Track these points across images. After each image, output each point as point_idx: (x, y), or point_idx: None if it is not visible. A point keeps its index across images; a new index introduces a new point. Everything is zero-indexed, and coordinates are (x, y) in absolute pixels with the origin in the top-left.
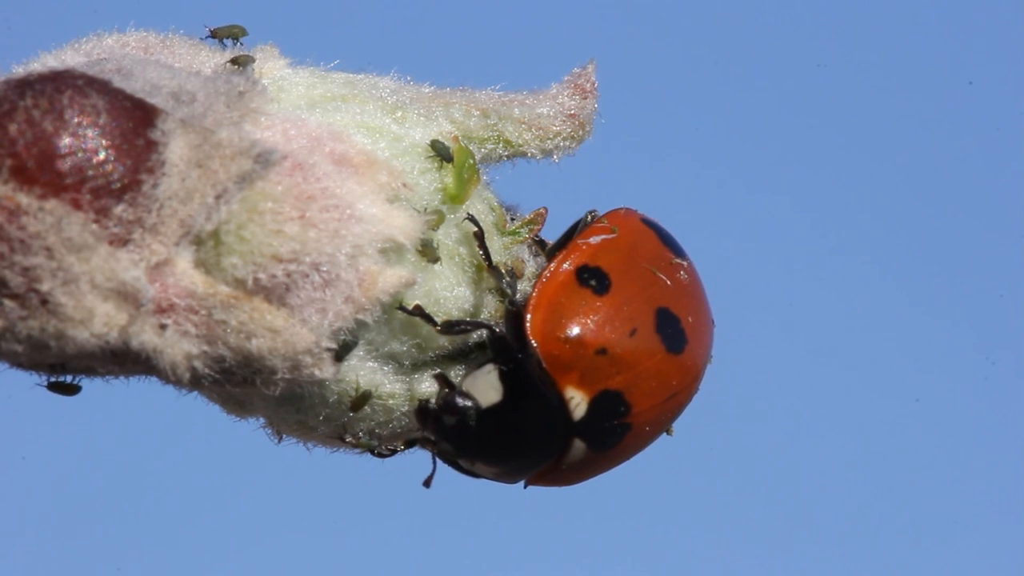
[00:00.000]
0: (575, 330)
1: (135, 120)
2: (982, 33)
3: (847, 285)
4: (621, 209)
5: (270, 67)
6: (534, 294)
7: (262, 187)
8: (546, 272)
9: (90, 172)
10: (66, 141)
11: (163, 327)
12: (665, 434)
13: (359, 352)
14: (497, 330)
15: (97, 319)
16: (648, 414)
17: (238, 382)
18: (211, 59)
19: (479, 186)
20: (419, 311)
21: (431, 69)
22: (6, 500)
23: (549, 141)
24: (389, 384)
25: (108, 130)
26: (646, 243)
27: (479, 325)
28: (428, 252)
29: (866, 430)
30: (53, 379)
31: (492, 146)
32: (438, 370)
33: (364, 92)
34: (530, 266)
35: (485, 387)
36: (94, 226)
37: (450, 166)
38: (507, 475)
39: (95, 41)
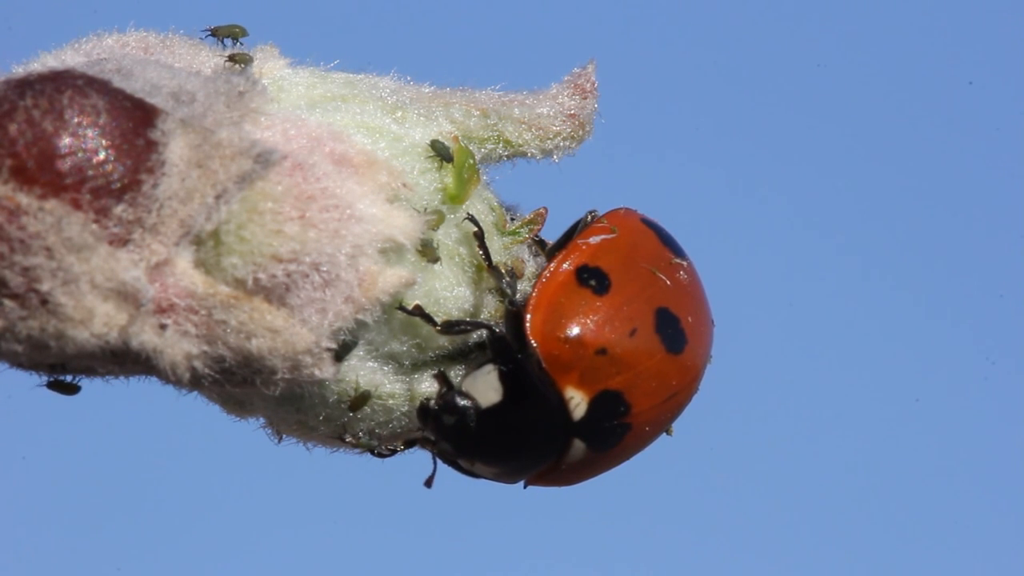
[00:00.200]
0: (575, 330)
1: (135, 120)
2: (982, 33)
3: (847, 285)
4: (621, 209)
5: (270, 67)
6: (534, 294)
7: (262, 187)
8: (546, 272)
9: (90, 172)
10: (66, 141)
11: (163, 327)
12: (665, 434)
13: (359, 352)
14: (497, 330)
15: (97, 319)
16: (648, 414)
17: (238, 382)
18: (211, 59)
19: (479, 186)
20: (419, 311)
21: (431, 69)
22: (6, 500)
23: (549, 141)
24: (389, 384)
25: (108, 130)
26: (646, 243)
27: (479, 325)
28: (428, 252)
29: (866, 430)
30: (52, 379)
31: (492, 146)
32: (438, 370)
33: (364, 92)
34: (530, 266)
35: (485, 387)
36: (94, 226)
37: (450, 166)
38: (507, 475)
39: (95, 41)
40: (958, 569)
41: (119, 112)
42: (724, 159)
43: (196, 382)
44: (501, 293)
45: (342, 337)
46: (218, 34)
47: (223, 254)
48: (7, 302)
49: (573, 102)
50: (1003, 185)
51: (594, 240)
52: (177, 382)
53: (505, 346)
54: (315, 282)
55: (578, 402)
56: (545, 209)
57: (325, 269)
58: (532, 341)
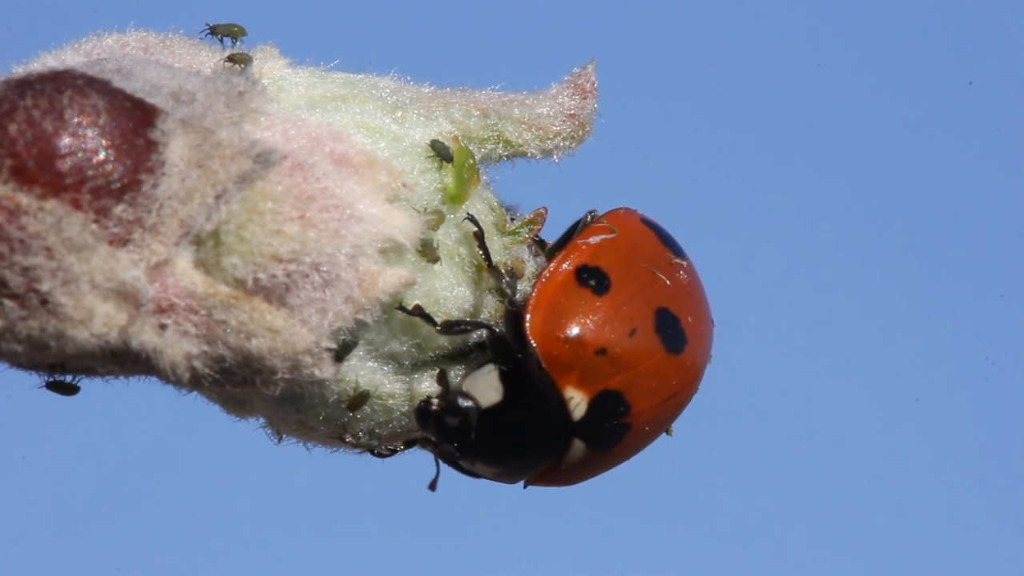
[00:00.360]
0: (575, 330)
1: (135, 120)
2: (982, 33)
3: (847, 285)
4: (621, 209)
5: (270, 67)
6: (534, 294)
7: (262, 187)
8: (546, 272)
9: (90, 172)
10: (66, 141)
11: (163, 327)
12: (665, 434)
13: (359, 352)
14: (497, 330)
15: (97, 319)
16: (648, 414)
17: (238, 382)
18: (211, 59)
19: (479, 186)
20: (419, 311)
21: (431, 69)
22: (6, 500)
23: (549, 141)
24: (389, 384)
25: (108, 130)
26: (646, 243)
27: (479, 325)
28: (428, 252)
29: (866, 430)
30: (52, 379)
31: (492, 146)
32: (438, 371)
33: (364, 92)
34: (530, 266)
35: (485, 387)
36: (94, 226)
37: (450, 166)
38: (507, 475)
39: (95, 41)
40: (958, 569)
41: (119, 112)
42: (724, 159)
43: (196, 382)
44: (501, 293)
45: (342, 337)
46: (217, 32)
47: (223, 254)
48: (7, 302)
49: (573, 102)
50: (1003, 185)
51: (594, 240)
52: (177, 382)
53: (505, 346)
54: (315, 282)
55: (578, 402)
56: (545, 209)
57: (325, 269)
58: (532, 341)
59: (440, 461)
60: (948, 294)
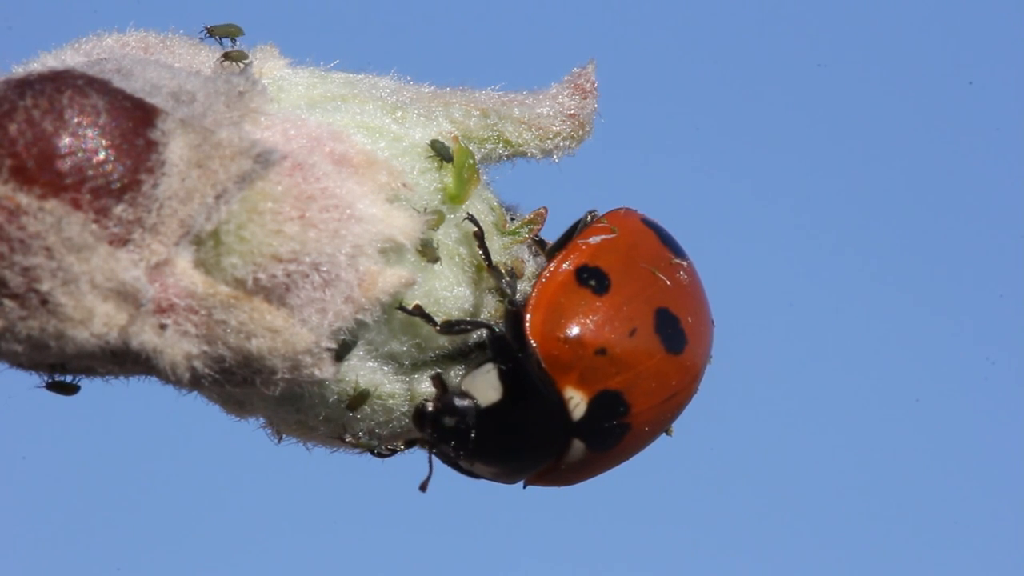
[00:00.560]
0: (574, 330)
1: (135, 120)
2: (982, 33)
3: (847, 285)
4: (621, 209)
5: (270, 67)
6: (534, 294)
7: (262, 187)
8: (546, 272)
9: (90, 172)
10: (66, 141)
11: (163, 327)
12: (664, 434)
13: (359, 352)
14: (497, 330)
15: (97, 319)
16: (647, 414)
17: (238, 382)
18: (211, 59)
19: (479, 186)
20: (419, 311)
21: (431, 69)
22: (6, 500)
23: (549, 141)
24: (389, 384)
25: (108, 130)
26: (646, 243)
27: (479, 325)
28: (428, 252)
29: (866, 430)
30: (52, 379)
31: (492, 146)
32: (435, 372)
33: (364, 92)
34: (530, 266)
35: (484, 387)
36: (94, 226)
37: (450, 166)
38: (506, 475)
39: (95, 41)
40: (958, 569)
41: (119, 112)
42: (724, 159)
43: (196, 382)
44: (501, 293)
45: (342, 337)
46: (214, 33)
47: (223, 254)
48: (7, 302)
49: (573, 102)
50: (1003, 185)
51: (594, 240)
52: (177, 382)
53: (505, 346)
54: (315, 282)
55: (578, 402)
56: (545, 209)
57: (325, 269)
58: (532, 341)
59: (433, 462)
60: (948, 294)
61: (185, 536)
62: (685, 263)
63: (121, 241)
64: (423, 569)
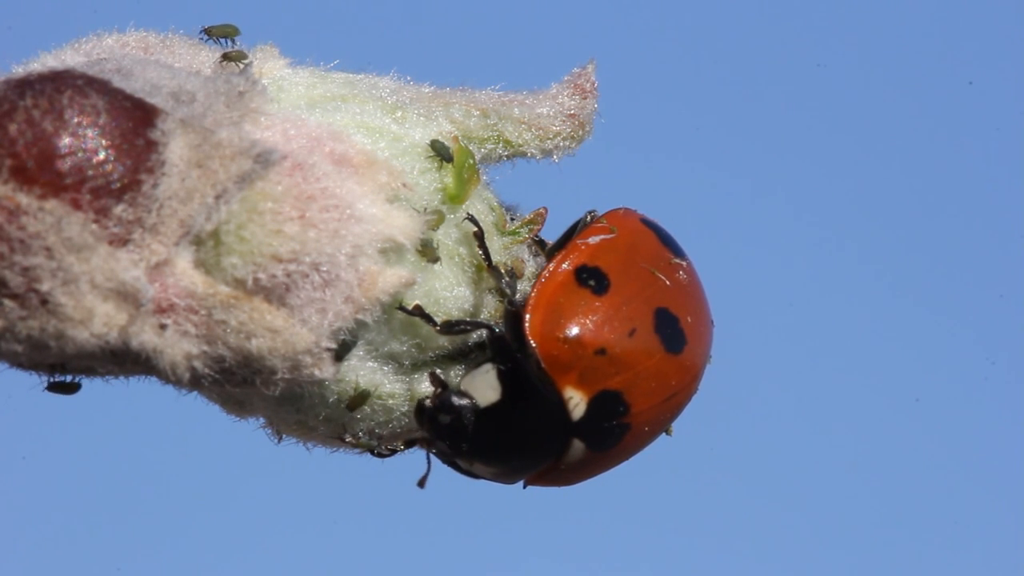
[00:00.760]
0: (574, 330)
1: (135, 120)
2: (982, 33)
3: (847, 285)
4: (620, 209)
5: (270, 67)
6: (533, 294)
7: (262, 187)
8: (545, 272)
9: (90, 172)
10: (66, 141)
11: (163, 327)
12: (664, 434)
13: (359, 352)
14: (496, 330)
15: (97, 319)
16: (647, 414)
17: (238, 382)
18: (211, 59)
19: (479, 186)
20: (419, 311)
21: (431, 69)
22: (6, 500)
23: (549, 141)
24: (389, 384)
25: (108, 130)
26: (645, 243)
27: (479, 325)
28: (428, 252)
29: (866, 430)
30: (53, 380)
31: (492, 146)
32: (433, 371)
33: (364, 92)
34: (530, 266)
35: (484, 387)
36: (94, 226)
37: (450, 166)
38: (506, 475)
39: (95, 41)
40: (958, 569)
41: (119, 112)
42: (724, 159)
43: (196, 382)
44: (501, 293)
45: (342, 337)
46: (211, 34)
47: (223, 254)
48: (7, 302)
49: (573, 102)
50: (1003, 185)
51: (593, 240)
52: (177, 382)
53: (504, 346)
54: (315, 282)
55: (577, 402)
56: (545, 209)
57: (325, 269)
58: (531, 341)
59: (431, 459)
60: (949, 294)
61: (185, 536)
62: (684, 263)
63: (121, 241)
64: (423, 569)
